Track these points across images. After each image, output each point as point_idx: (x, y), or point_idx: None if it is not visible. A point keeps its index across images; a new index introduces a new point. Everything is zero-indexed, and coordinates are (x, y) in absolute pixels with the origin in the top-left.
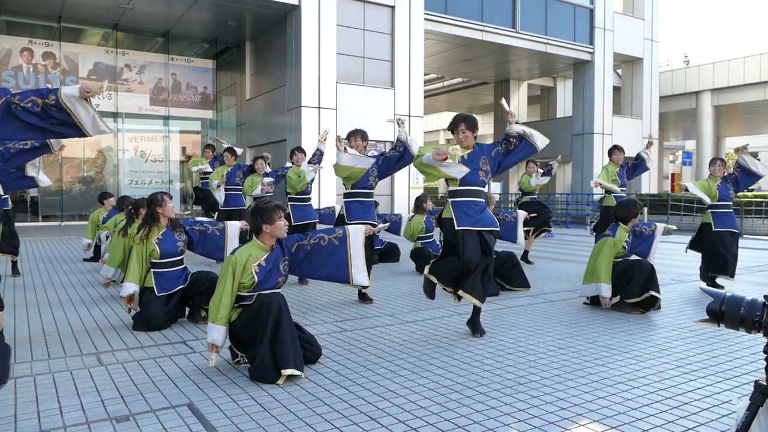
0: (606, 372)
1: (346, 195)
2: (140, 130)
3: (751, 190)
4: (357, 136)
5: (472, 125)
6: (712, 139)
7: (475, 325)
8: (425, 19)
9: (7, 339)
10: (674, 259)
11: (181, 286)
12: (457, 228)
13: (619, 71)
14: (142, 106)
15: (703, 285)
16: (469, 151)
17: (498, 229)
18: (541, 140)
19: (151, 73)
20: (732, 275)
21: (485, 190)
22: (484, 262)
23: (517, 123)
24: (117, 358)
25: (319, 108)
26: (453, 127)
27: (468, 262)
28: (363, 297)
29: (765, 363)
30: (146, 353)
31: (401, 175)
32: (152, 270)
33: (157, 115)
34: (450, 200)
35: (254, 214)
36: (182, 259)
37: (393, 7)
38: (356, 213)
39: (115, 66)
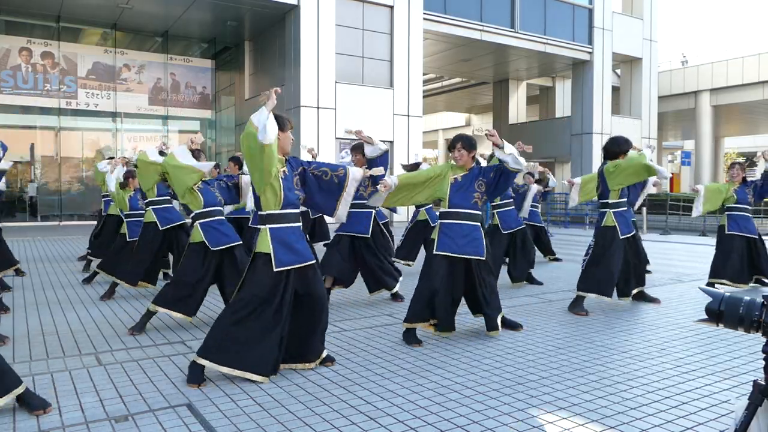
0: (605, 372)
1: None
2: (139, 129)
3: None
4: (358, 152)
5: (469, 145)
6: (711, 139)
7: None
8: (424, 18)
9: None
10: (673, 259)
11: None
12: (434, 252)
13: (618, 71)
14: (140, 106)
15: (702, 285)
16: (464, 173)
17: (482, 258)
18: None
19: (149, 73)
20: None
21: (478, 212)
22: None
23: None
24: (116, 358)
25: (318, 108)
26: (452, 144)
27: (435, 289)
28: (394, 295)
29: (764, 363)
30: (145, 353)
31: None
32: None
33: (156, 114)
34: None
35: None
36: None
37: (392, 7)
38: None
39: (114, 66)
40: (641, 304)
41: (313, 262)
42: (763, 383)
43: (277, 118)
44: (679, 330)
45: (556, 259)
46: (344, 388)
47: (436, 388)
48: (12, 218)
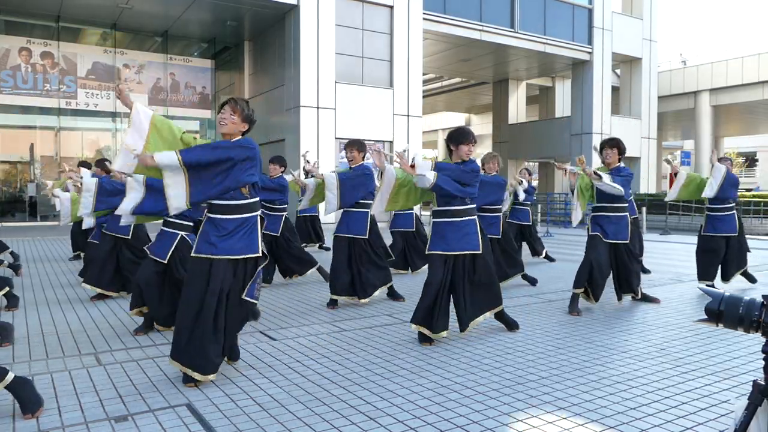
0: (604, 372)
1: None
2: None
3: (750, 190)
4: (353, 147)
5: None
6: (711, 139)
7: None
8: (424, 18)
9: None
10: (672, 259)
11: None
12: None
13: (618, 71)
14: None
15: (702, 285)
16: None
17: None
18: None
19: (149, 73)
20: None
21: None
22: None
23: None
24: (115, 358)
25: (317, 108)
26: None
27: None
28: (393, 295)
29: (763, 363)
30: (145, 353)
31: None
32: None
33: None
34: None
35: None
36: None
37: (392, 7)
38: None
39: (114, 66)
40: (641, 304)
41: (226, 257)
42: (763, 383)
43: None
44: (679, 330)
45: (550, 259)
46: (344, 388)
47: (436, 388)
48: (11, 218)
